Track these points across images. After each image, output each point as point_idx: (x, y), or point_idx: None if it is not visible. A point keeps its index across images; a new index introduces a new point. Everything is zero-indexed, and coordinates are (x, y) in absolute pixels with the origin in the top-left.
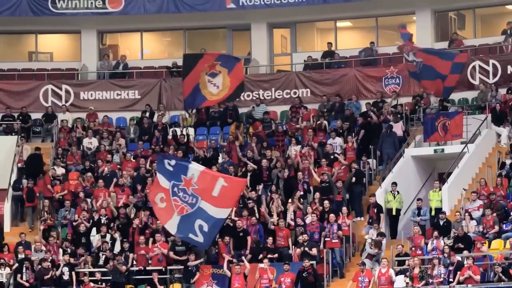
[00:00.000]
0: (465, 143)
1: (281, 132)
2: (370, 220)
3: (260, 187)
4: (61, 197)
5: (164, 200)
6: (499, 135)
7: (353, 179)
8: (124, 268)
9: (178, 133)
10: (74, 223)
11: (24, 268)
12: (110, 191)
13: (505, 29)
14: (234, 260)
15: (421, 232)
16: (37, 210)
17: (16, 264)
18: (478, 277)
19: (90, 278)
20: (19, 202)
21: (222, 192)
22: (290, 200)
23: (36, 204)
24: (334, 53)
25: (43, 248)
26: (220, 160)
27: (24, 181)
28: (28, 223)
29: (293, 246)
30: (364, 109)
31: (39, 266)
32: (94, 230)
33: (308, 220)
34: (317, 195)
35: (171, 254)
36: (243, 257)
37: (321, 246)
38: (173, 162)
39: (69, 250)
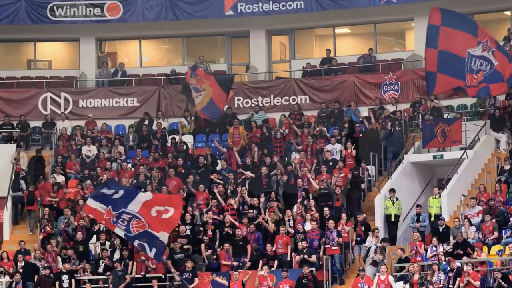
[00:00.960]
0: (464, 149)
1: (279, 138)
2: (358, 239)
3: (262, 199)
4: (56, 204)
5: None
6: (498, 141)
7: (351, 184)
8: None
9: (177, 140)
10: (72, 231)
11: (14, 283)
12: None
13: (506, 35)
14: (234, 263)
15: (421, 238)
16: (37, 216)
17: (18, 275)
18: (477, 283)
19: (93, 286)
20: (19, 204)
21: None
22: (295, 207)
23: (36, 208)
24: (332, 60)
25: (43, 256)
26: (219, 167)
27: (23, 182)
28: (29, 225)
29: (293, 253)
30: (363, 114)
31: (36, 275)
32: (94, 237)
33: (307, 227)
34: (312, 202)
35: (169, 263)
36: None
37: (321, 253)
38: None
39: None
